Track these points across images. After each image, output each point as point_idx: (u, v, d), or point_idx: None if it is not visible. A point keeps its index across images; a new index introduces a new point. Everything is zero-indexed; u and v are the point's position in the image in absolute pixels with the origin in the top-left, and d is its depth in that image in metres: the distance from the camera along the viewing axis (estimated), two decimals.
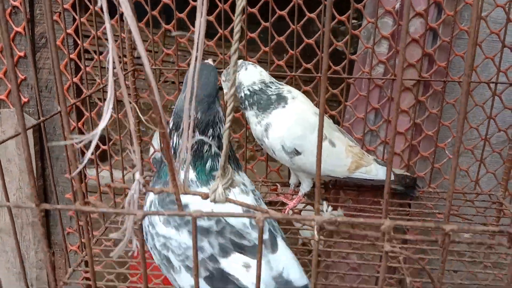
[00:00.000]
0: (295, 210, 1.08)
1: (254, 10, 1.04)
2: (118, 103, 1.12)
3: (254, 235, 0.65)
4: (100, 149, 1.14)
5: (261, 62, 1.07)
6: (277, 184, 1.17)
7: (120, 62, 1.07)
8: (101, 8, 0.34)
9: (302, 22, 1.04)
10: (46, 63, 1.16)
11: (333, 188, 1.16)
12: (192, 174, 0.68)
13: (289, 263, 0.66)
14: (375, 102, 1.14)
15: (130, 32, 1.08)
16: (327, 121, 0.98)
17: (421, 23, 1.07)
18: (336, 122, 1.09)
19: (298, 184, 1.06)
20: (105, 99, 0.95)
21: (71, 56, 1.12)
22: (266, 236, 0.66)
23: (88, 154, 0.40)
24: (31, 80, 1.16)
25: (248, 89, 0.91)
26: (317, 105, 1.01)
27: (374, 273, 1.20)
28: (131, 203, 0.46)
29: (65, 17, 1.08)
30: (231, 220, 0.65)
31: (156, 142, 1.26)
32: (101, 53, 1.06)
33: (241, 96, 0.93)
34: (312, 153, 0.91)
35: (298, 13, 1.02)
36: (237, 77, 0.90)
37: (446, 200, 0.41)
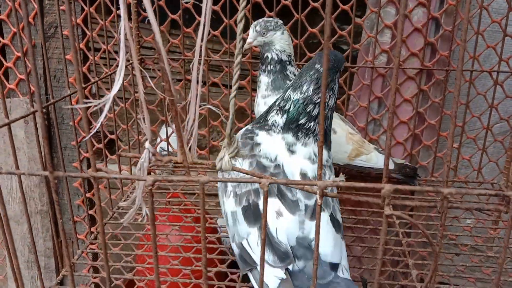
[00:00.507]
0: None
1: (259, 0, 1.06)
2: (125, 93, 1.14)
3: (299, 195, 0.68)
4: (108, 138, 1.16)
5: None
6: None
7: (126, 53, 1.09)
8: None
9: (306, 12, 1.06)
10: (54, 53, 1.18)
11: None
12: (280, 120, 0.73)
13: (324, 236, 0.66)
14: (378, 91, 1.15)
15: (137, 22, 1.10)
16: None
17: (423, 12, 1.08)
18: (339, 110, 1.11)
19: None
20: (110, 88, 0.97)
21: (79, 46, 1.14)
22: (311, 202, 0.68)
23: (101, 119, 0.42)
24: (40, 69, 1.18)
25: (277, 54, 0.91)
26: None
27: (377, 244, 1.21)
28: (141, 170, 0.48)
29: (75, 7, 1.10)
30: (288, 172, 0.70)
31: (163, 133, 1.28)
32: (109, 44, 1.08)
33: (266, 56, 0.92)
34: None
35: (302, 3, 1.04)
36: (273, 35, 0.90)
37: (444, 165, 0.42)
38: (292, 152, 0.72)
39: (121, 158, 1.13)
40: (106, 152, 1.14)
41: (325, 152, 0.75)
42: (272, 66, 0.92)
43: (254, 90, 1.03)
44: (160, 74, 1.13)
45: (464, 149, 1.21)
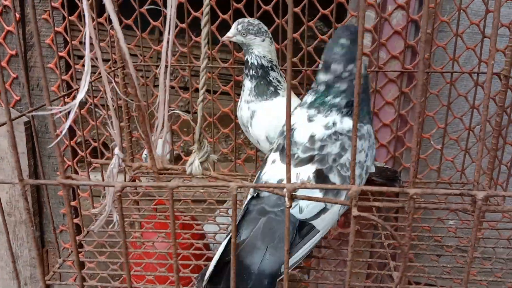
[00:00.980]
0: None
1: (240, 6, 1.07)
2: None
3: (299, 152, 0.76)
4: (92, 146, 1.15)
5: None
6: None
7: (109, 61, 1.09)
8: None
9: (286, 17, 1.06)
10: (37, 62, 1.18)
11: None
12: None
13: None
14: None
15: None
16: None
17: (403, 15, 1.09)
18: None
19: None
20: (94, 96, 0.97)
21: (61, 54, 1.14)
22: (305, 155, 0.75)
23: (68, 123, 0.42)
24: (23, 78, 1.18)
25: (256, 60, 0.92)
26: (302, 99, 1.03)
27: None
28: (111, 176, 0.48)
29: (54, 16, 1.10)
30: (297, 135, 0.77)
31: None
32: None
33: (247, 59, 0.93)
34: None
35: (282, 8, 1.05)
36: (252, 39, 0.91)
37: (410, 165, 0.43)
38: (311, 121, 0.78)
39: (105, 167, 1.13)
40: (91, 159, 1.14)
41: (365, 127, 0.80)
42: (253, 71, 0.92)
43: (238, 95, 1.03)
44: (143, 81, 1.13)
45: (448, 151, 1.22)
